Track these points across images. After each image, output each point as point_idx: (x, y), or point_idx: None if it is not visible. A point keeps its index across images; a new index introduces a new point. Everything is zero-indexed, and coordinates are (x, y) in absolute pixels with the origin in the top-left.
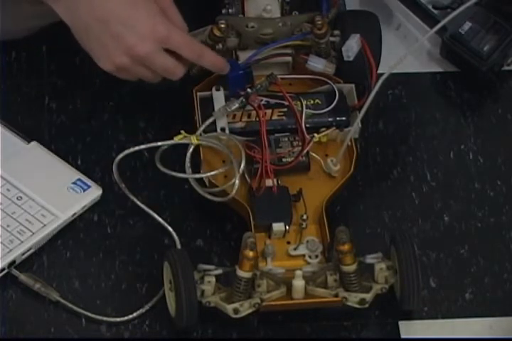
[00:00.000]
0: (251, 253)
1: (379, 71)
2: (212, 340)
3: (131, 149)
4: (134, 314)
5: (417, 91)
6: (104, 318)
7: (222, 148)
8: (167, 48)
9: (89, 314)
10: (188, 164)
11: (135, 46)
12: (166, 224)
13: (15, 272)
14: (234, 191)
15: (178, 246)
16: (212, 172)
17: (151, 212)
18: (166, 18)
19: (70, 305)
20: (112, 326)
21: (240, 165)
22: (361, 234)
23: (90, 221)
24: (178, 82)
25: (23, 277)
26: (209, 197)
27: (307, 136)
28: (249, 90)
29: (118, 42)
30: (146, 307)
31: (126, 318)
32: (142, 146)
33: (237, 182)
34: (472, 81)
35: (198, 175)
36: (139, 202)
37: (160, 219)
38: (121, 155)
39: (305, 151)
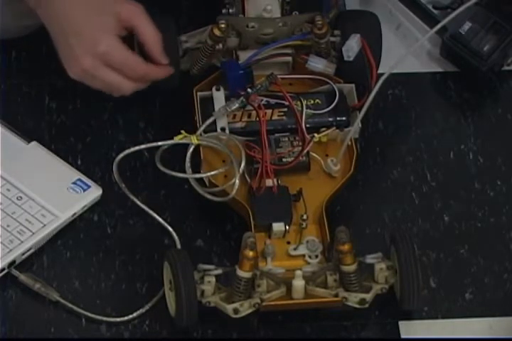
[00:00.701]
0: (251, 253)
1: (379, 71)
2: (212, 340)
3: (131, 149)
4: (134, 314)
5: (417, 91)
6: (104, 318)
7: (223, 148)
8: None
9: (89, 314)
10: (188, 164)
11: (78, 58)
12: (166, 224)
13: (15, 272)
14: (234, 191)
15: (178, 246)
16: (213, 172)
17: (151, 211)
18: (124, 30)
19: (70, 305)
20: (112, 326)
21: (240, 165)
22: (361, 234)
23: (90, 221)
24: (178, 82)
25: (23, 277)
26: (209, 197)
27: (307, 136)
28: (249, 90)
29: (70, 51)
30: (146, 307)
31: (126, 318)
32: (142, 146)
33: (237, 182)
34: (472, 81)
35: (198, 175)
36: (139, 202)
37: (160, 219)
38: (121, 155)
39: (305, 151)
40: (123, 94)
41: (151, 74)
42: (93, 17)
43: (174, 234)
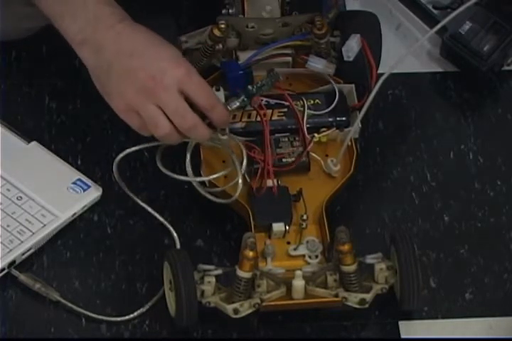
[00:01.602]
0: (251, 254)
1: (379, 71)
2: (212, 340)
3: (132, 149)
4: (134, 314)
5: (417, 91)
6: (104, 318)
7: (225, 147)
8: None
9: (90, 313)
10: (188, 163)
11: (154, 78)
12: (166, 224)
13: (15, 272)
14: (238, 193)
15: (178, 246)
16: (214, 176)
17: (150, 209)
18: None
19: (70, 305)
20: (112, 326)
21: (241, 166)
22: (361, 234)
23: (90, 221)
24: None
25: (23, 277)
26: (210, 197)
27: (307, 136)
28: (249, 87)
29: (137, 75)
30: (146, 307)
31: (126, 318)
32: (142, 146)
33: (240, 182)
34: (472, 81)
35: (199, 179)
36: (139, 201)
37: (161, 218)
38: (121, 155)
39: (306, 151)
40: (184, 126)
41: (218, 107)
42: (166, 43)
43: (174, 234)
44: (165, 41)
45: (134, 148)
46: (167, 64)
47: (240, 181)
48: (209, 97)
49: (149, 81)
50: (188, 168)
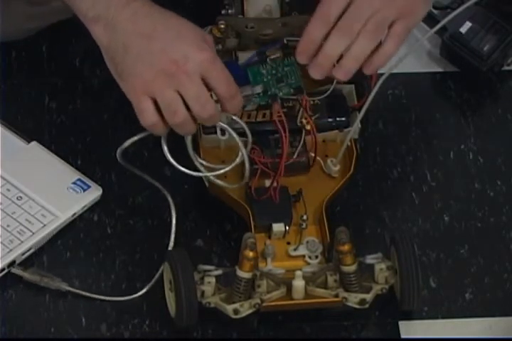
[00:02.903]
0: (251, 254)
1: (379, 71)
2: (212, 340)
3: (138, 136)
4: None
5: (417, 91)
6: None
7: (236, 138)
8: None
9: (101, 296)
10: (191, 152)
11: (176, 63)
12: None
13: (18, 271)
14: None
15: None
16: (220, 172)
17: (157, 184)
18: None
19: (83, 293)
20: (112, 326)
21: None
22: (361, 234)
23: (90, 221)
24: None
25: (27, 275)
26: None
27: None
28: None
29: (158, 58)
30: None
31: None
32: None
33: (247, 166)
34: (472, 81)
35: (202, 174)
36: (148, 178)
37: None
38: (126, 144)
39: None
40: (203, 116)
41: (237, 97)
42: (188, 27)
43: (174, 234)
44: (186, 21)
45: (140, 135)
46: (190, 48)
47: (247, 162)
48: (230, 87)
49: (171, 65)
50: (191, 153)
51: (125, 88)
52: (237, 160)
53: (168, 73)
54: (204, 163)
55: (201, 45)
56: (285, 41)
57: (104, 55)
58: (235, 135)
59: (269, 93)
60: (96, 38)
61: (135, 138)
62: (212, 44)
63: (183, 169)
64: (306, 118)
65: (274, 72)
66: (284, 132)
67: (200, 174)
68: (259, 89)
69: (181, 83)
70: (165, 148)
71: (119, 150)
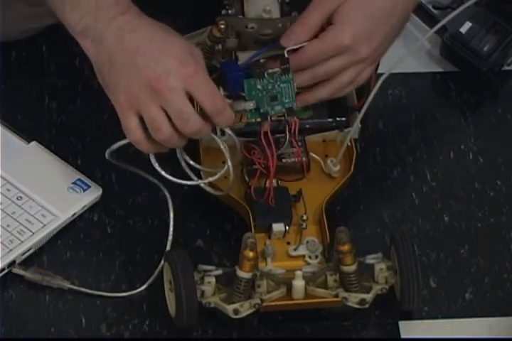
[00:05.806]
0: (251, 254)
1: (379, 71)
2: (212, 340)
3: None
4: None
5: (417, 91)
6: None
7: (235, 140)
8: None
9: (103, 293)
10: (181, 158)
11: (158, 78)
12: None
13: (19, 271)
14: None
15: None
16: (215, 177)
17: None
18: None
19: (84, 290)
20: (111, 326)
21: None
22: (361, 234)
23: (90, 221)
24: None
25: (29, 274)
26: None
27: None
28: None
29: (141, 73)
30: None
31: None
32: None
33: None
34: (472, 81)
35: (201, 181)
36: (149, 177)
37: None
38: (114, 147)
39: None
40: (188, 130)
41: (226, 112)
42: (173, 41)
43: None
44: (172, 35)
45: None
46: (173, 62)
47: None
48: (216, 101)
49: (154, 81)
50: (187, 168)
51: (112, 101)
52: (225, 167)
53: (152, 89)
54: (199, 167)
55: (186, 59)
56: (286, 54)
57: (93, 66)
58: (233, 136)
59: (261, 111)
60: (85, 51)
61: (124, 141)
62: (201, 58)
63: (170, 178)
64: (294, 141)
65: (270, 87)
66: (270, 149)
67: (188, 182)
68: (251, 105)
69: (164, 98)
70: (152, 158)
71: (107, 151)
